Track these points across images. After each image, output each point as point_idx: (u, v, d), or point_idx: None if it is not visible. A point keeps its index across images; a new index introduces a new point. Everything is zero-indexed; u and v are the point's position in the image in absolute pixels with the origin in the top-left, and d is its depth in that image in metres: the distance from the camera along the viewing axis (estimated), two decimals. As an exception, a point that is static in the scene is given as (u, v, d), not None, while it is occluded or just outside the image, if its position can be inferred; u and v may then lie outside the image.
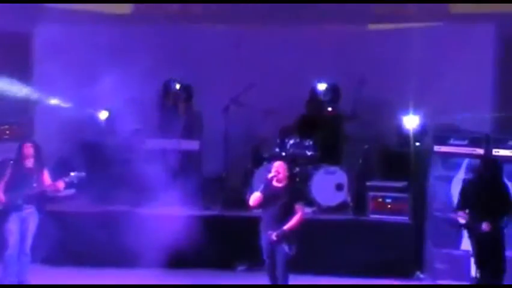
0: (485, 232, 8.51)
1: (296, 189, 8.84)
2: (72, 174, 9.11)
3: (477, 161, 9.26)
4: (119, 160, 10.73)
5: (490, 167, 8.78)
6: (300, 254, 9.95)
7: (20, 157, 9.07)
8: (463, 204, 8.78)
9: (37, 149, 9.13)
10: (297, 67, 11.16)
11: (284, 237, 8.39)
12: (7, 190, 8.98)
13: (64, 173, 9.22)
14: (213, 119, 11.29)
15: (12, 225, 8.87)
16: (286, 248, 8.41)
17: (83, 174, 9.20)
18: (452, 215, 9.03)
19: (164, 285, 9.46)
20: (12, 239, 8.88)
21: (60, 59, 11.31)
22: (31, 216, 8.93)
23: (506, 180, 9.26)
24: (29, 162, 9.04)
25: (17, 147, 9.23)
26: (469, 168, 9.73)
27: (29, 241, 8.96)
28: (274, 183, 8.52)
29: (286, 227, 8.38)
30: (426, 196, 10.08)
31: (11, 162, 9.20)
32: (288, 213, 8.42)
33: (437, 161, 10.02)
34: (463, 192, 8.85)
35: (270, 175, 8.57)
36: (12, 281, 8.87)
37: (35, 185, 8.93)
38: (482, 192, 8.63)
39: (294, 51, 11.36)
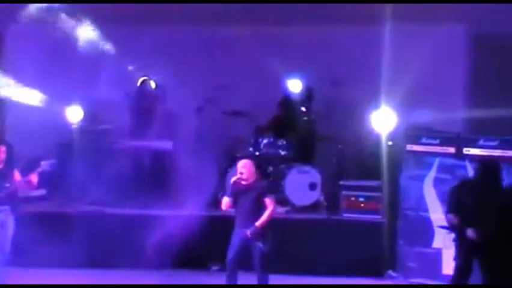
0: (472, 240, 8.25)
1: (263, 184, 8.88)
2: (43, 163, 9.03)
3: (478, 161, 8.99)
4: (90, 160, 10.69)
5: (488, 169, 8.53)
6: (274, 253, 10.07)
7: None
8: (453, 207, 8.52)
9: (9, 149, 9.04)
10: (270, 67, 11.17)
11: (258, 233, 8.42)
12: None
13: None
14: (186, 119, 11.28)
15: None
16: (260, 245, 8.43)
17: (53, 161, 9.13)
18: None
19: (164, 285, 9.42)
20: None
21: (32, 58, 11.25)
22: (6, 218, 8.82)
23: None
24: (0, 164, 8.95)
25: None
26: (441, 168, 9.81)
27: (7, 243, 8.83)
28: (242, 182, 8.59)
29: (258, 223, 8.43)
30: (398, 195, 10.14)
31: None
32: (260, 209, 8.50)
33: (409, 160, 10.08)
34: (456, 193, 8.59)
35: (233, 179, 8.67)
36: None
37: (7, 185, 8.84)
38: (477, 195, 8.38)
39: (266, 51, 11.37)
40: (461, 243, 8.47)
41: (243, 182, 8.60)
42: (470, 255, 8.42)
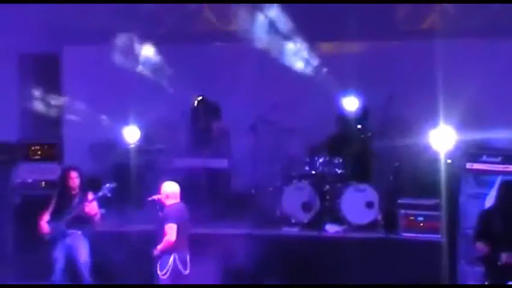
0: (506, 264, 8.03)
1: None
2: (106, 185, 9.14)
3: (500, 185, 8.78)
4: (148, 179, 10.75)
5: (507, 191, 8.37)
6: (332, 272, 10.00)
7: (64, 185, 9.06)
8: (482, 234, 8.32)
9: (81, 174, 9.15)
10: (325, 84, 11.11)
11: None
12: (52, 219, 9.00)
13: (94, 193, 9.23)
14: (241, 137, 11.29)
15: (58, 253, 8.86)
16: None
17: (114, 185, 9.22)
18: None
19: (167, 286, 9.39)
20: (57, 265, 8.87)
21: (89, 79, 11.42)
22: (75, 242, 8.89)
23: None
24: (74, 190, 9.03)
25: (62, 174, 9.26)
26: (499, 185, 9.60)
27: (84, 269, 8.95)
28: (168, 202, 8.62)
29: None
30: (458, 214, 9.95)
31: (57, 190, 9.21)
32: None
33: (469, 178, 9.89)
34: (483, 221, 8.39)
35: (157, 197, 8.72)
36: None
37: (76, 209, 8.93)
38: (503, 220, 8.19)
39: (321, 68, 11.33)
40: (493, 269, 8.20)
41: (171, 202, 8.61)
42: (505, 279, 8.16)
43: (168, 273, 8.56)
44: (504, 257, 8.06)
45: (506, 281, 8.20)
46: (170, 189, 8.73)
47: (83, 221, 8.94)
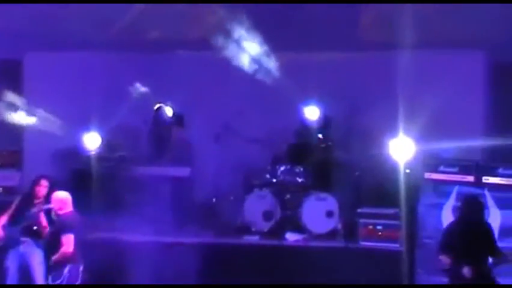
0: (468, 278, 8.12)
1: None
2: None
3: (461, 199, 8.94)
4: (108, 187, 10.71)
5: (470, 206, 8.45)
6: (292, 281, 10.03)
7: (31, 191, 8.98)
8: (444, 247, 8.43)
9: (51, 184, 9.04)
10: (287, 94, 11.17)
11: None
12: (8, 225, 8.92)
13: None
14: (204, 146, 11.30)
15: (10, 261, 8.78)
16: None
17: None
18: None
19: (165, 285, 9.36)
20: (9, 274, 8.79)
21: (51, 85, 11.35)
22: (31, 250, 8.82)
23: (496, 208, 9.29)
24: (38, 199, 8.96)
25: (33, 180, 9.13)
26: (460, 196, 9.71)
27: (38, 277, 8.83)
28: (61, 211, 8.44)
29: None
30: (417, 223, 10.05)
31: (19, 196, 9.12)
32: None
33: (427, 188, 10.01)
34: (446, 234, 8.53)
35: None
36: None
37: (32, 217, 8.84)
38: (464, 234, 8.29)
39: (283, 78, 11.38)
40: (457, 282, 8.31)
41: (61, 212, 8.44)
42: None
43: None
44: (465, 270, 8.14)
45: None
46: (62, 198, 8.47)
47: (35, 231, 8.84)
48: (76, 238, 8.34)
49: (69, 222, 8.38)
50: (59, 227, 8.33)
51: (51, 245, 8.31)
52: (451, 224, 8.69)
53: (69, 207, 8.48)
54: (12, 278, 8.75)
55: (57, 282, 8.25)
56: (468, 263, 8.16)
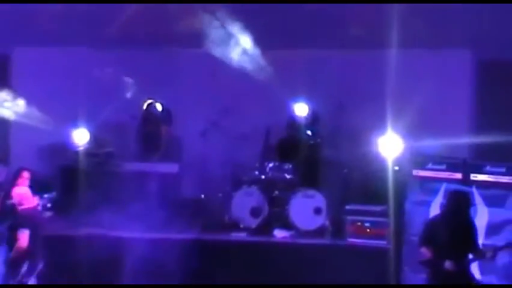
0: (449, 271, 8.18)
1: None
2: (45, 196, 9.00)
3: (449, 194, 8.87)
4: (95, 183, 10.68)
5: (457, 202, 8.46)
6: (279, 278, 10.05)
7: (13, 185, 8.89)
8: (426, 240, 8.45)
9: (33, 177, 8.97)
10: (276, 91, 11.18)
11: None
12: None
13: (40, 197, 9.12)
14: (191, 143, 11.29)
15: None
16: None
17: (53, 194, 9.09)
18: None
19: (164, 285, 9.34)
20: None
21: (39, 81, 11.31)
22: None
23: (484, 206, 9.34)
24: (21, 190, 8.88)
25: (14, 173, 9.06)
26: (447, 194, 9.77)
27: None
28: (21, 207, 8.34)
29: None
30: (404, 220, 10.09)
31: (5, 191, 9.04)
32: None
33: (415, 186, 10.04)
34: (428, 228, 8.55)
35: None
36: None
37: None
38: (446, 227, 8.31)
39: (272, 75, 11.40)
40: (435, 275, 8.36)
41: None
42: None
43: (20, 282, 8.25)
44: (447, 264, 8.19)
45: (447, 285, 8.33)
46: (22, 193, 8.41)
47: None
48: (35, 235, 8.25)
49: (26, 218, 8.27)
50: (16, 222, 8.24)
51: (10, 241, 8.21)
52: (435, 217, 8.72)
53: (30, 203, 8.36)
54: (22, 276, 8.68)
55: (16, 279, 8.15)
56: (449, 257, 8.20)
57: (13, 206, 8.36)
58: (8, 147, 11.20)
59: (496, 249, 8.40)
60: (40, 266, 8.40)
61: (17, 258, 8.14)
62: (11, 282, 8.29)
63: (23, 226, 8.17)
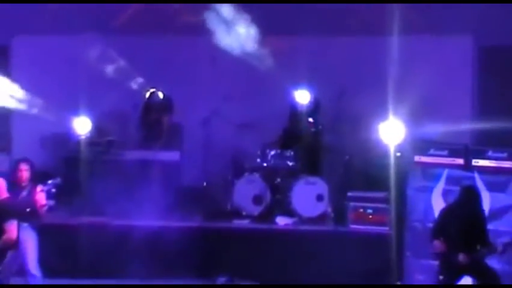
0: (462, 264, 8.25)
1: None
2: (49, 182, 9.00)
3: (460, 188, 8.92)
4: (98, 172, 10.69)
5: (468, 195, 8.52)
6: (282, 265, 10.07)
7: (14, 177, 8.85)
8: (438, 232, 8.50)
9: (32, 167, 8.94)
10: (277, 78, 11.17)
11: None
12: None
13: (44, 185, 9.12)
14: (193, 131, 11.30)
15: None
16: None
17: (58, 180, 9.08)
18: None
19: (164, 285, 9.35)
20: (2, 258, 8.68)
21: (39, 70, 11.29)
22: (25, 234, 8.70)
23: (486, 191, 9.34)
24: (23, 182, 8.86)
25: (12, 165, 9.05)
26: (449, 179, 9.78)
27: (30, 261, 8.68)
28: None
29: None
30: (406, 207, 10.10)
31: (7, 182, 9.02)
32: None
33: (417, 172, 10.04)
34: (440, 220, 8.61)
35: None
36: None
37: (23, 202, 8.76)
38: (459, 221, 8.36)
39: (273, 62, 11.38)
40: (448, 268, 8.38)
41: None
42: (458, 278, 8.41)
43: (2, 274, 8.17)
44: (461, 257, 8.22)
45: (459, 278, 8.41)
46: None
47: (30, 213, 8.79)
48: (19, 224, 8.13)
49: (10, 208, 8.15)
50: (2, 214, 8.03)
51: None
52: (446, 210, 8.72)
53: (4, 193, 8.21)
54: (6, 262, 8.69)
55: None
56: (462, 249, 8.23)
57: None
58: (10, 137, 11.18)
59: (507, 245, 8.44)
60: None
61: (3, 249, 8.02)
62: None
63: (10, 217, 8.03)
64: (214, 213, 10.89)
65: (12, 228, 7.97)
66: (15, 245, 8.20)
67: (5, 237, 7.93)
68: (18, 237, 8.14)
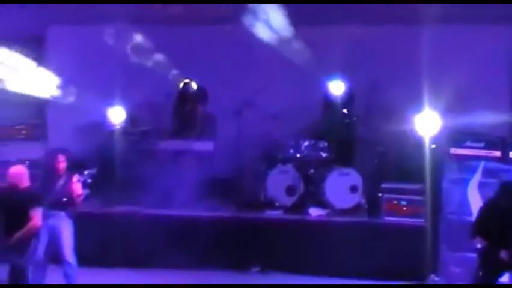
0: (503, 261, 8.12)
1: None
2: (85, 172, 9.07)
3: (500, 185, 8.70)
4: (132, 161, 10.74)
5: (507, 191, 8.38)
6: (315, 256, 10.03)
7: (51, 166, 8.92)
8: (479, 229, 8.37)
9: (69, 157, 8.99)
10: (311, 69, 11.11)
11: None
12: None
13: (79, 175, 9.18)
14: (227, 121, 11.29)
15: (40, 233, 8.61)
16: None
17: (94, 170, 9.14)
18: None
19: (168, 286, 9.40)
20: (39, 245, 8.67)
21: (75, 59, 11.35)
22: (58, 223, 8.79)
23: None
24: (60, 172, 8.91)
25: (49, 156, 9.09)
26: (485, 172, 9.65)
27: (66, 249, 8.75)
28: (22, 185, 8.15)
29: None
30: (441, 199, 9.99)
31: (42, 170, 9.11)
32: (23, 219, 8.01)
33: (452, 164, 9.94)
34: (480, 216, 8.46)
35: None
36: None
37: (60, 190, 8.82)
38: (499, 217, 8.22)
39: (307, 53, 11.31)
40: (489, 264, 8.26)
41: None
42: (499, 274, 8.28)
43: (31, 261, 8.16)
44: (503, 253, 8.13)
45: (499, 275, 8.31)
46: (21, 172, 8.21)
47: (66, 202, 8.87)
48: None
49: (35, 196, 8.18)
50: (24, 200, 8.05)
51: (14, 221, 7.96)
52: (486, 206, 8.57)
53: (26, 182, 8.22)
54: (42, 249, 8.78)
55: (22, 259, 7.97)
56: (504, 246, 8.12)
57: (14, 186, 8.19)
58: (45, 126, 11.27)
59: None
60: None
61: (26, 237, 8.02)
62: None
63: (35, 204, 8.07)
64: (247, 203, 10.90)
65: (37, 215, 8.03)
66: (38, 233, 8.27)
67: (30, 224, 7.99)
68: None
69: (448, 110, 10.23)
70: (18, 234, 7.91)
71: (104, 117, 11.06)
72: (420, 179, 10.12)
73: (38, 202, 8.13)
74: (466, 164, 9.85)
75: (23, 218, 7.94)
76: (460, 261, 9.68)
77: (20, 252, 7.94)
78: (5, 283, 7.89)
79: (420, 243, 9.90)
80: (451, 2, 10.13)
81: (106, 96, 10.99)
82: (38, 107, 11.33)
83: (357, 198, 10.63)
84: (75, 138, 11.12)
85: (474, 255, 9.28)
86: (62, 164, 8.88)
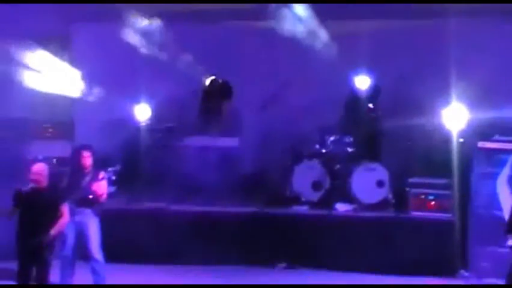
0: None
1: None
2: (110, 169, 9.10)
3: None
4: (157, 158, 10.76)
5: None
6: (341, 252, 9.98)
7: (77, 163, 8.96)
8: None
9: (94, 154, 9.02)
10: (337, 63, 11.04)
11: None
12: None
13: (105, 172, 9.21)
14: (252, 117, 11.27)
15: (67, 230, 8.68)
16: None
17: (118, 167, 9.17)
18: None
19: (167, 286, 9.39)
20: (67, 242, 8.79)
21: (100, 57, 11.40)
22: (85, 219, 8.83)
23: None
24: (86, 169, 8.95)
25: (75, 153, 9.14)
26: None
27: (93, 246, 8.80)
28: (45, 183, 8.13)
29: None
30: (469, 193, 9.88)
31: (69, 167, 9.15)
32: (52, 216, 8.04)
33: (480, 157, 9.81)
34: None
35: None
36: (69, 281, 8.79)
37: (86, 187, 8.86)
38: None
39: (333, 47, 11.25)
40: None
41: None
42: None
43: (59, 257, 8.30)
44: None
45: None
46: (44, 170, 8.18)
47: (92, 199, 8.91)
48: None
49: (59, 193, 8.26)
50: (48, 199, 8.07)
51: (42, 219, 7.98)
52: None
53: (46, 180, 8.18)
54: (69, 245, 8.84)
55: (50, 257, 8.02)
56: None
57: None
58: (72, 124, 11.33)
59: None
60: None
61: (56, 234, 8.08)
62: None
63: (63, 200, 8.17)
64: (273, 199, 10.87)
65: (67, 211, 8.13)
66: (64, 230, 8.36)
67: (62, 220, 8.06)
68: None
69: (475, 104, 10.12)
70: (53, 231, 7.95)
71: (130, 114, 11.10)
72: (448, 174, 10.03)
73: (63, 199, 8.19)
74: (494, 158, 9.69)
75: (48, 216, 7.98)
76: (490, 255, 9.56)
77: (48, 250, 7.98)
78: (18, 282, 7.94)
79: (448, 238, 9.83)
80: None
81: (131, 93, 11.03)
82: (65, 106, 11.39)
83: (384, 193, 10.55)
84: (101, 135, 11.15)
85: (504, 249, 9.18)
86: (87, 159, 8.91)
